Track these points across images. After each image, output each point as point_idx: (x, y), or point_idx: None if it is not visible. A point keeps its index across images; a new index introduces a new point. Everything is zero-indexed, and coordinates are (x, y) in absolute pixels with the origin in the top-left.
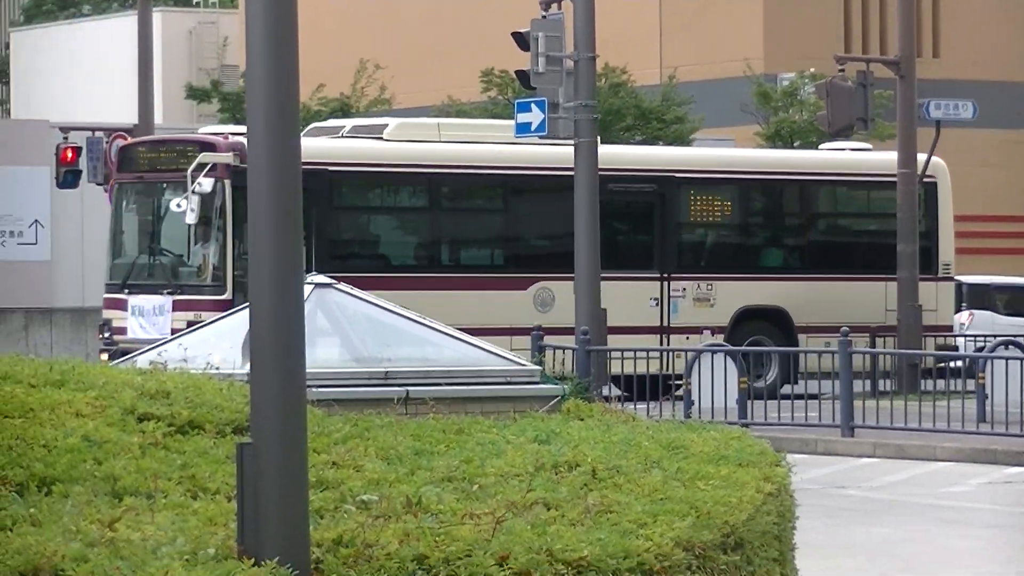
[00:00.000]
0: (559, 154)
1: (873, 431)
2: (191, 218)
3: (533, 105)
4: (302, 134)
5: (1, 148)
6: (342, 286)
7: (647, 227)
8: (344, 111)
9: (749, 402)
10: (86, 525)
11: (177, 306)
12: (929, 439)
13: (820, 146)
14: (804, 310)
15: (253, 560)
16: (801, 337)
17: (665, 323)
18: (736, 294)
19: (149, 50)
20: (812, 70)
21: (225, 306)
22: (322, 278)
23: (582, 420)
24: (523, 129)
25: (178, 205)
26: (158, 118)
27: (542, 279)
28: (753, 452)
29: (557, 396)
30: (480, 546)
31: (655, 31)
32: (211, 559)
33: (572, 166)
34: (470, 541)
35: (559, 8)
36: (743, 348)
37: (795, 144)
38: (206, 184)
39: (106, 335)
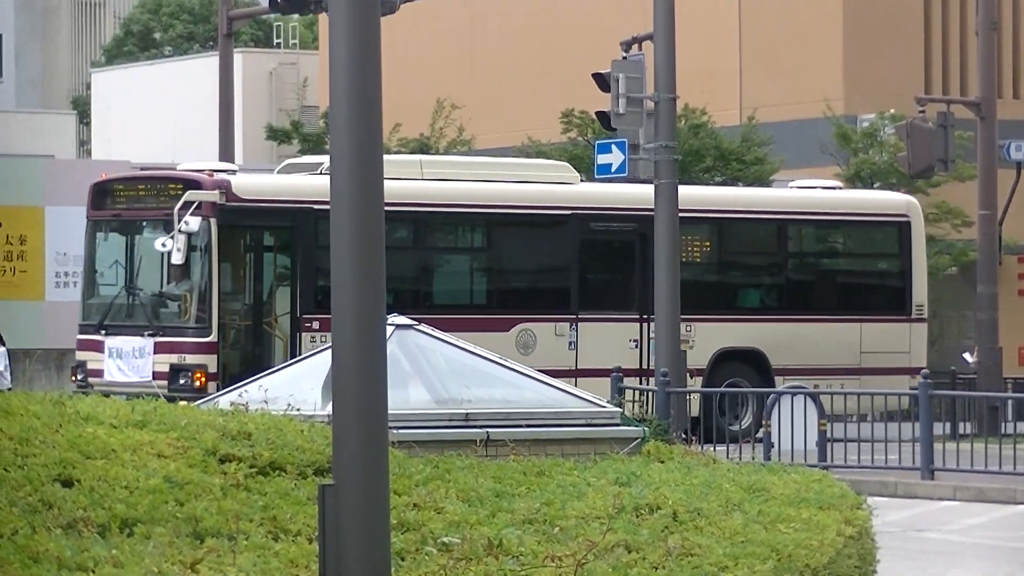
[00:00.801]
0: (541, 192)
1: (953, 474)
2: (178, 258)
3: (613, 146)
4: (276, 171)
5: (81, 188)
6: (423, 327)
7: (627, 267)
8: (423, 152)
9: (829, 444)
10: (168, 566)
11: (159, 348)
12: (1010, 482)
13: (789, 184)
14: (780, 352)
15: None
16: (778, 379)
17: (645, 365)
18: (714, 336)
19: (230, 91)
20: (892, 111)
21: (210, 348)
22: (403, 319)
23: (663, 462)
24: (603, 170)
25: (163, 244)
26: (238, 159)
27: (524, 321)
28: (834, 495)
29: (638, 438)
30: None
31: (735, 72)
32: None
33: (551, 204)
34: None
35: (640, 49)
36: (815, 391)
37: (875, 186)
38: (193, 223)
39: (79, 377)
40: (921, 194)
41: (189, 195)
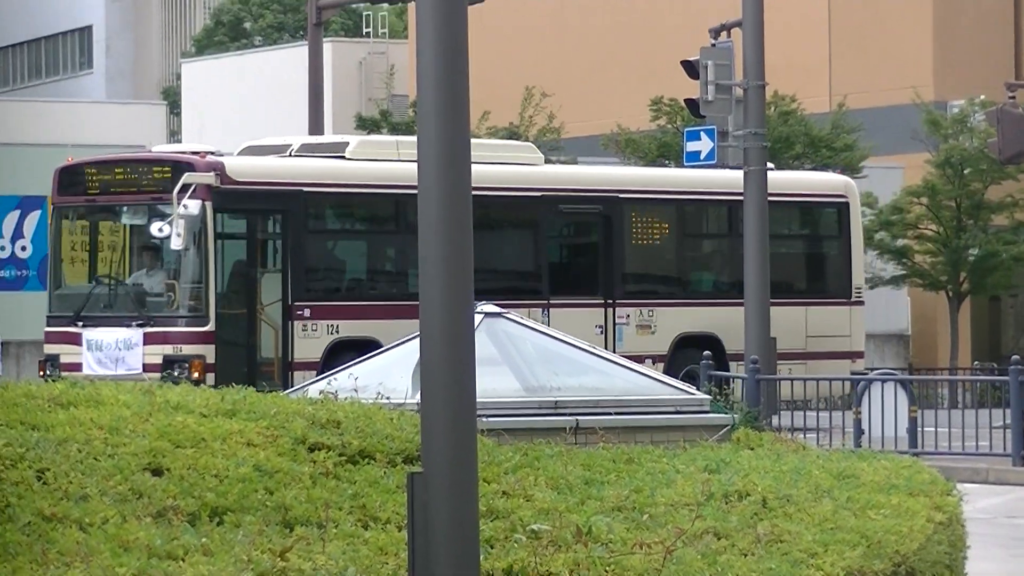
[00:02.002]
0: (504, 173)
1: None
2: (177, 243)
3: (702, 133)
4: (236, 153)
5: None
6: (511, 315)
7: (593, 251)
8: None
9: (919, 430)
10: (258, 555)
11: (150, 339)
12: None
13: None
14: (733, 337)
15: None
16: (732, 365)
17: (611, 351)
18: (674, 321)
19: (320, 80)
20: (982, 97)
21: (207, 338)
22: (491, 307)
23: (752, 449)
24: (693, 157)
25: (160, 230)
26: None
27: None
28: (924, 481)
29: (727, 425)
30: (651, 575)
31: (824, 58)
32: None
33: (532, 186)
34: (640, 571)
35: (728, 36)
36: (905, 377)
37: (965, 173)
38: (192, 206)
39: (50, 371)
40: (1012, 180)
41: (187, 177)
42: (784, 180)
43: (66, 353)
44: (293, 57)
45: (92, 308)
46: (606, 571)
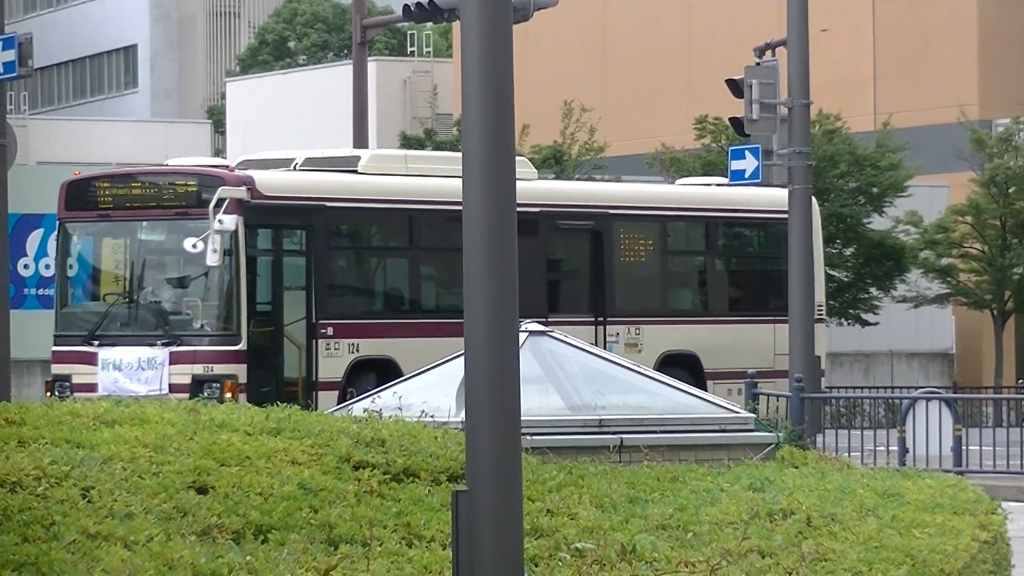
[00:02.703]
0: (528, 188)
1: None
2: (213, 259)
3: (747, 152)
4: (234, 166)
5: None
6: (556, 333)
7: (584, 268)
8: (557, 159)
9: (964, 449)
10: (302, 573)
11: (177, 358)
12: None
13: (677, 181)
14: (710, 355)
15: None
16: (709, 384)
17: None
18: (659, 339)
19: (364, 99)
20: None
21: (239, 357)
22: (536, 325)
23: (796, 468)
24: (737, 176)
25: (194, 246)
26: None
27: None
28: (968, 500)
29: (771, 444)
30: None
31: (869, 77)
32: None
33: (526, 202)
34: None
35: (773, 55)
36: (949, 395)
37: (1010, 191)
38: (228, 222)
39: (60, 393)
40: None
41: (222, 191)
42: (759, 197)
43: (78, 373)
44: (337, 76)
45: (108, 327)
46: None
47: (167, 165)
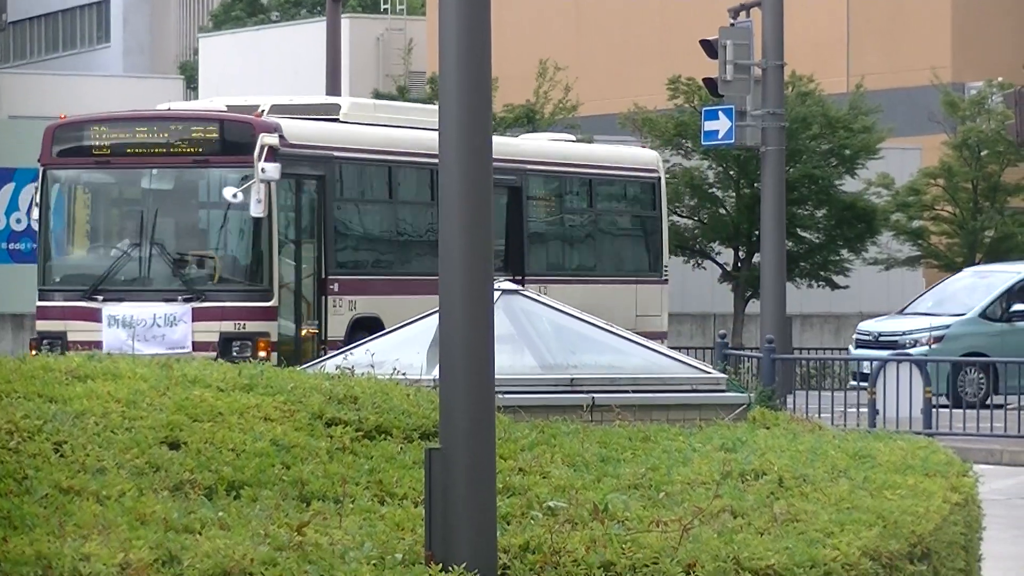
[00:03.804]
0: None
1: None
2: (258, 210)
3: (721, 113)
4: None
5: None
6: (528, 292)
7: (503, 225)
8: (529, 118)
9: (934, 411)
10: (275, 529)
11: (201, 315)
12: None
13: (521, 136)
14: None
15: (441, 565)
16: None
17: None
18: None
19: (338, 56)
20: (1000, 79)
21: (271, 314)
22: (509, 284)
23: (768, 428)
24: (710, 136)
25: (234, 195)
26: None
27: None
28: (940, 462)
29: (743, 404)
30: (667, 553)
31: (843, 39)
32: (399, 564)
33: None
34: (657, 548)
35: (747, 16)
36: (920, 358)
37: (982, 155)
38: (271, 170)
39: (51, 351)
40: None
41: (263, 138)
42: (607, 154)
43: (76, 330)
44: (311, 33)
45: (113, 281)
46: (623, 548)
47: (164, 110)
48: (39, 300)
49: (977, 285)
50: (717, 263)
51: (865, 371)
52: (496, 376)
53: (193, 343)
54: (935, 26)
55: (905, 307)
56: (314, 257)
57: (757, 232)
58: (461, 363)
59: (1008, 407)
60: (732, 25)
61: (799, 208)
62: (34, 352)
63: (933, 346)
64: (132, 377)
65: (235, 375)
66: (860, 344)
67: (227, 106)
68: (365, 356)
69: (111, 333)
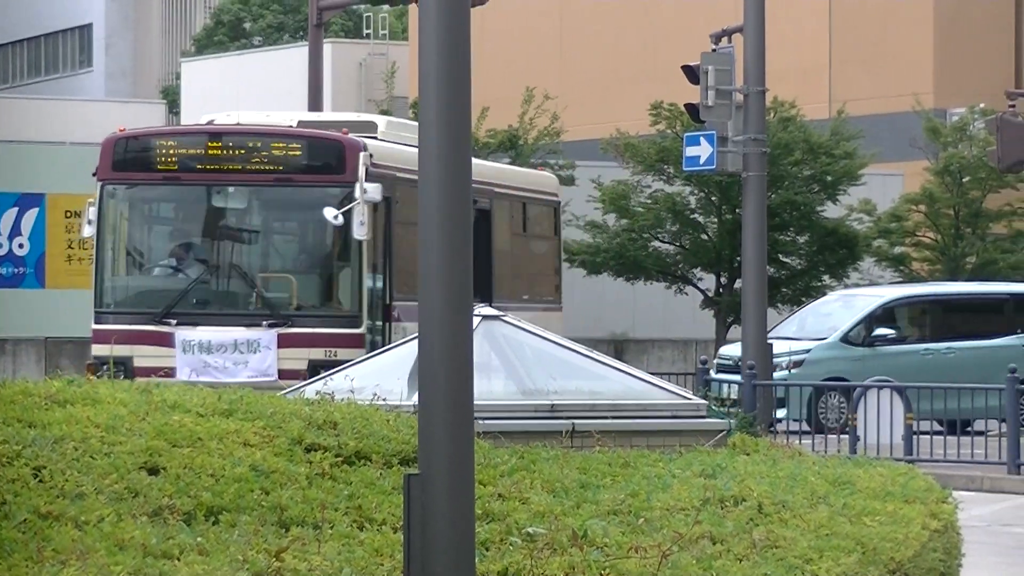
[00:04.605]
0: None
1: None
2: (362, 233)
3: (702, 139)
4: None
5: None
6: (509, 318)
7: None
8: (512, 143)
9: (915, 438)
10: (253, 555)
11: (289, 341)
12: None
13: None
14: None
15: None
16: None
17: None
18: None
19: (320, 81)
20: (982, 105)
21: (360, 341)
22: (489, 310)
23: (748, 454)
24: (692, 162)
25: (335, 217)
26: None
27: None
28: (919, 488)
29: (723, 430)
30: None
31: (825, 65)
32: None
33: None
34: (636, 575)
35: (729, 42)
36: (901, 384)
37: (964, 181)
38: (374, 191)
39: (115, 376)
40: (1011, 188)
41: (365, 158)
42: (511, 175)
43: (143, 355)
44: (293, 58)
45: (187, 304)
46: (601, 574)
47: (236, 125)
48: (95, 323)
49: (841, 308)
50: (699, 289)
51: (724, 396)
52: (476, 402)
53: (280, 371)
54: (917, 52)
55: (768, 331)
56: (382, 283)
57: (739, 258)
58: (440, 389)
59: (988, 434)
60: (714, 51)
61: (781, 234)
62: (91, 377)
63: (793, 371)
64: (111, 402)
65: (215, 400)
66: (721, 369)
67: (298, 121)
68: (345, 381)
69: (186, 359)
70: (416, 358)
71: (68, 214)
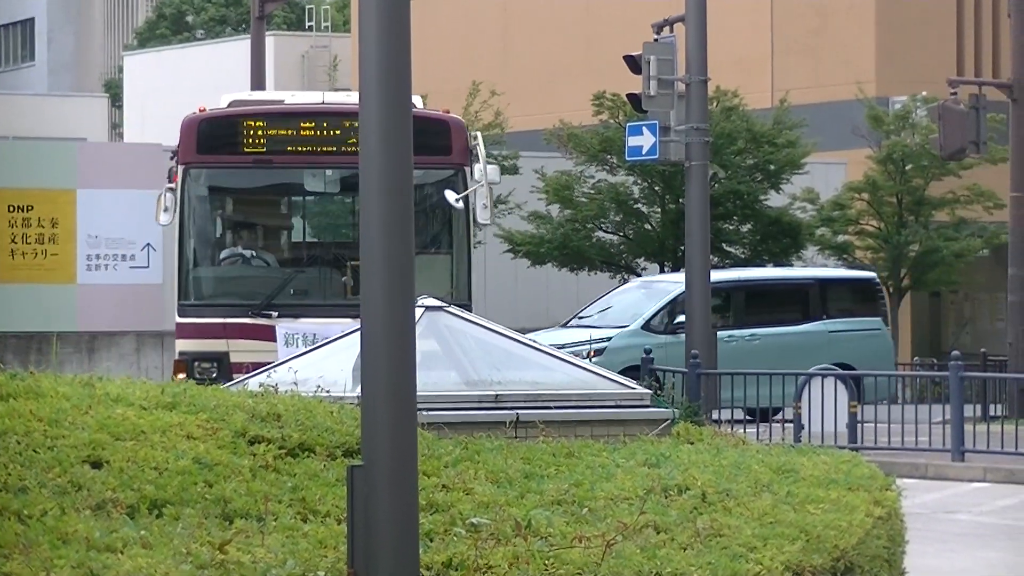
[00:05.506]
0: None
1: (984, 455)
2: (485, 216)
3: (644, 128)
4: (227, 106)
5: (114, 171)
6: (453, 308)
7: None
8: None
9: (859, 426)
10: (197, 548)
11: None
12: None
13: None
14: None
15: None
16: None
17: None
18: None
19: (262, 74)
20: (924, 93)
21: None
22: (433, 301)
23: (692, 444)
24: (635, 152)
25: (457, 201)
26: None
27: None
28: (863, 476)
29: (667, 419)
30: (590, 569)
31: (767, 54)
32: None
33: None
34: (580, 564)
35: (671, 31)
36: (845, 372)
37: (907, 169)
38: (494, 173)
39: (204, 374)
40: (953, 176)
41: (471, 137)
42: None
43: (241, 350)
44: (235, 50)
45: (288, 295)
46: (546, 565)
47: (322, 104)
48: (180, 316)
49: (643, 296)
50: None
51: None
52: (419, 393)
53: None
54: (859, 41)
55: (569, 319)
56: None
57: (683, 247)
58: (383, 380)
59: (932, 421)
60: (656, 41)
61: (724, 223)
62: (182, 376)
63: (593, 359)
64: (55, 396)
65: (158, 393)
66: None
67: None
68: (288, 374)
69: (289, 353)
70: (360, 349)
71: (12, 208)
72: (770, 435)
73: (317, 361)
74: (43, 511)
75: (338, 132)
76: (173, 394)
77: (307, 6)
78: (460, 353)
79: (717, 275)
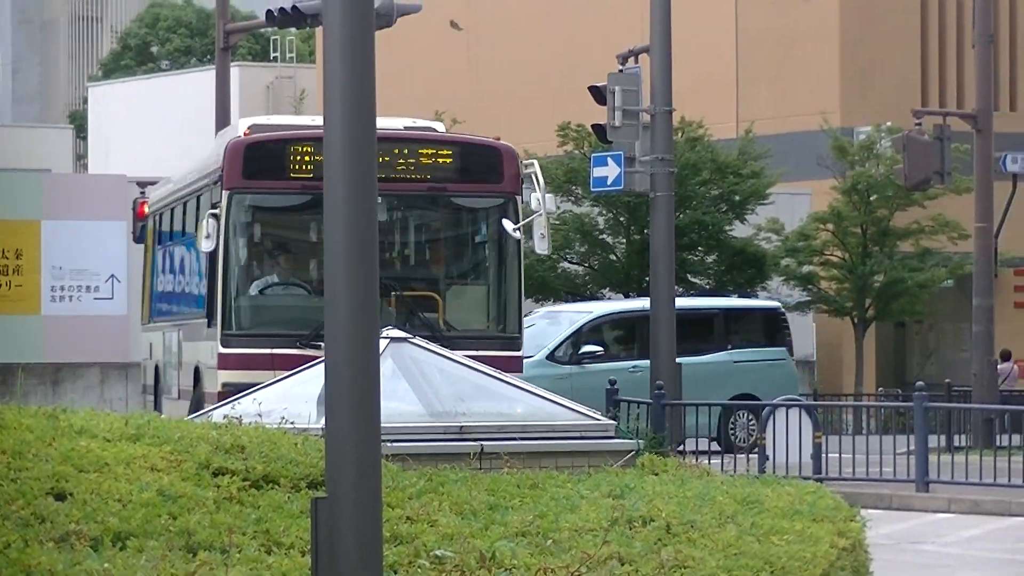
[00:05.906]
0: None
1: (948, 486)
2: (543, 247)
3: (609, 159)
4: (242, 132)
5: (78, 202)
6: (417, 340)
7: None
8: None
9: (824, 456)
10: None
11: None
12: (1005, 494)
13: None
14: None
15: None
16: None
17: None
18: None
19: (228, 104)
20: (889, 124)
21: (518, 365)
22: (398, 332)
23: (656, 475)
24: (599, 183)
25: (515, 230)
26: None
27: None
28: (827, 507)
29: (632, 451)
30: None
31: (731, 85)
32: None
33: None
34: None
35: (636, 62)
36: (810, 403)
37: (871, 199)
38: (550, 202)
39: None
40: (918, 207)
41: (536, 167)
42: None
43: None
44: (200, 81)
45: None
46: None
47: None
48: (223, 347)
49: (547, 325)
50: None
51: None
52: (384, 424)
53: None
54: (824, 71)
55: None
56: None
57: (647, 278)
58: (347, 411)
59: (897, 452)
60: (621, 71)
61: (689, 254)
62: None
63: None
64: (18, 427)
65: (122, 425)
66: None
67: (404, 127)
68: (253, 405)
69: None
70: (324, 381)
71: None
72: (735, 466)
73: (282, 392)
74: (6, 543)
75: (387, 158)
76: (137, 426)
77: (272, 37)
78: (425, 384)
79: (622, 305)
